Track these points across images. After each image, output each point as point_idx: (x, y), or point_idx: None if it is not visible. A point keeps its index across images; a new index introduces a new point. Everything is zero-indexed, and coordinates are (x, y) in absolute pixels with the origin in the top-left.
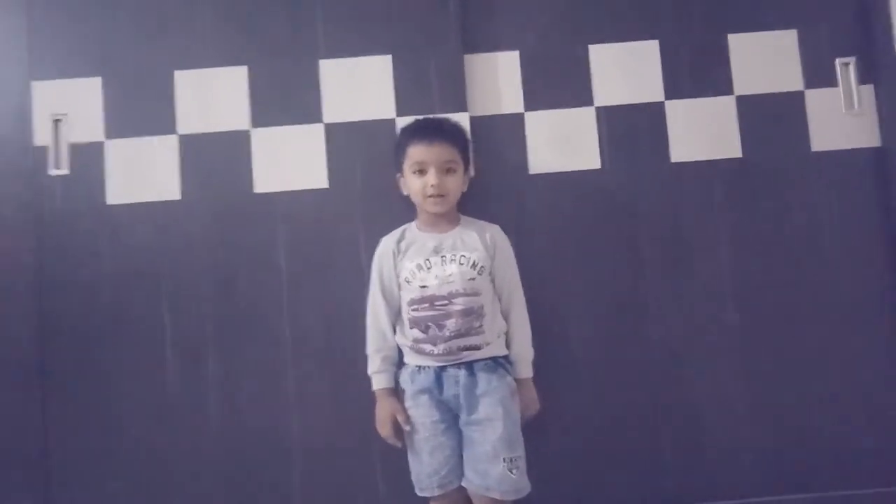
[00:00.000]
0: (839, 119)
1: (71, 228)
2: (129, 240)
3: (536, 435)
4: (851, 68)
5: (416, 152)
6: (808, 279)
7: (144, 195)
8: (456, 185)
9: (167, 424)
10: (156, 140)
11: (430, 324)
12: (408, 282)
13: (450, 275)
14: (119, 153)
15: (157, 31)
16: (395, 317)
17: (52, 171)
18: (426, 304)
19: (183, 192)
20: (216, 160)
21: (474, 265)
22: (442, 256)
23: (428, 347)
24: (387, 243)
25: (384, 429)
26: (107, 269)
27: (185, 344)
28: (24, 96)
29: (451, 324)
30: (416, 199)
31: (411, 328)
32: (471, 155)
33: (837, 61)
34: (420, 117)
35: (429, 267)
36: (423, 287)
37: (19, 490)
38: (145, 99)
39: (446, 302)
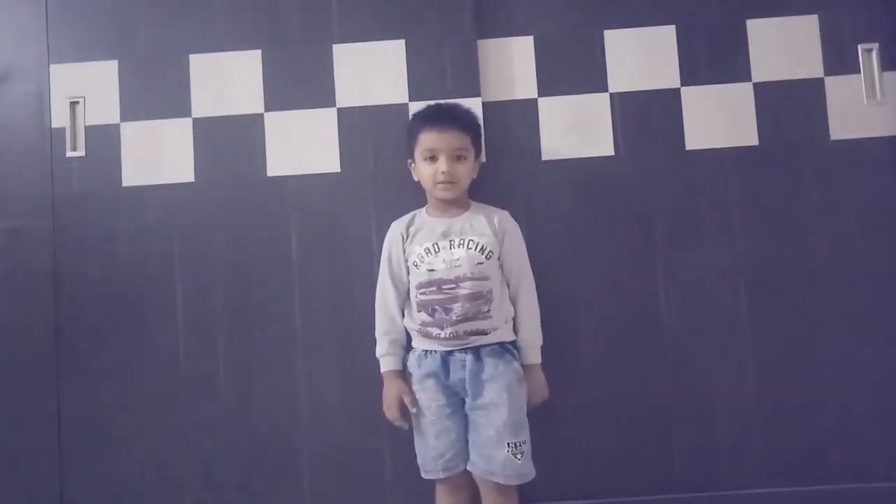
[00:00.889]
0: (860, 107)
1: (86, 210)
2: (143, 222)
3: (543, 421)
4: (874, 55)
5: (428, 139)
6: (824, 271)
7: (159, 177)
8: (466, 171)
9: (178, 406)
10: (171, 123)
11: (437, 307)
12: (416, 265)
13: (457, 259)
14: (134, 136)
15: (174, 16)
16: (404, 301)
17: (69, 153)
18: (434, 288)
19: (197, 175)
20: (230, 143)
21: (482, 250)
22: (450, 241)
23: (435, 331)
24: (396, 228)
25: (391, 411)
26: (121, 250)
27: (197, 326)
28: (41, 79)
29: (457, 308)
30: (426, 185)
31: (419, 311)
32: (482, 141)
33: (860, 47)
34: (432, 103)
35: (437, 251)
36: (431, 271)
37: (32, 470)
38: (161, 82)
39: (454, 286)
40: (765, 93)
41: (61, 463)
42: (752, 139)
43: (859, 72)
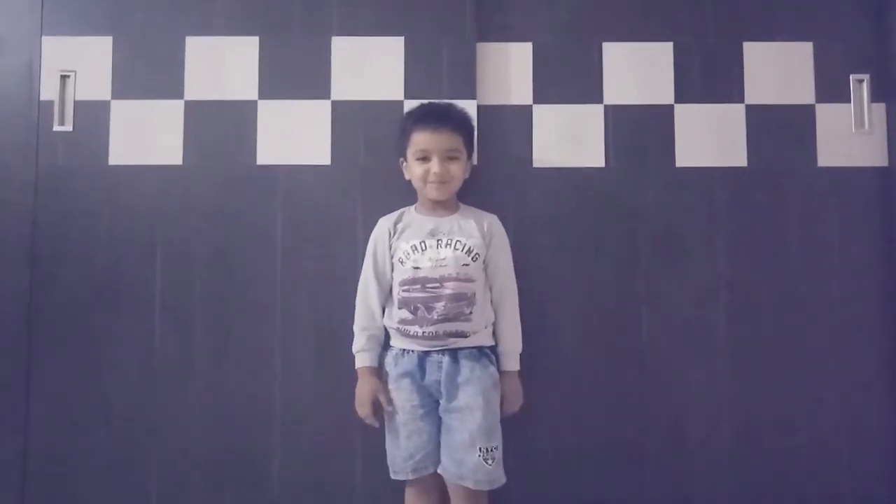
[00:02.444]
0: (848, 136)
1: (70, 185)
2: (127, 201)
3: (518, 428)
4: (865, 85)
5: (421, 139)
6: (805, 293)
7: (146, 158)
8: (458, 172)
9: (152, 389)
10: (162, 104)
11: (419, 305)
12: (401, 262)
13: (443, 258)
14: (124, 114)
15: None
16: (386, 297)
17: (56, 128)
18: (417, 286)
19: (185, 158)
20: (221, 128)
21: (469, 251)
22: (438, 240)
23: (414, 329)
24: (384, 224)
25: (363, 408)
26: (102, 229)
27: (174, 310)
28: (33, 51)
29: (440, 307)
30: (417, 184)
31: (400, 308)
32: (475, 142)
33: (852, 77)
34: (426, 102)
35: (423, 249)
36: (416, 268)
37: None
38: (155, 62)
39: (437, 285)
40: (756, 115)
41: (26, 442)
42: (741, 160)
43: (849, 101)
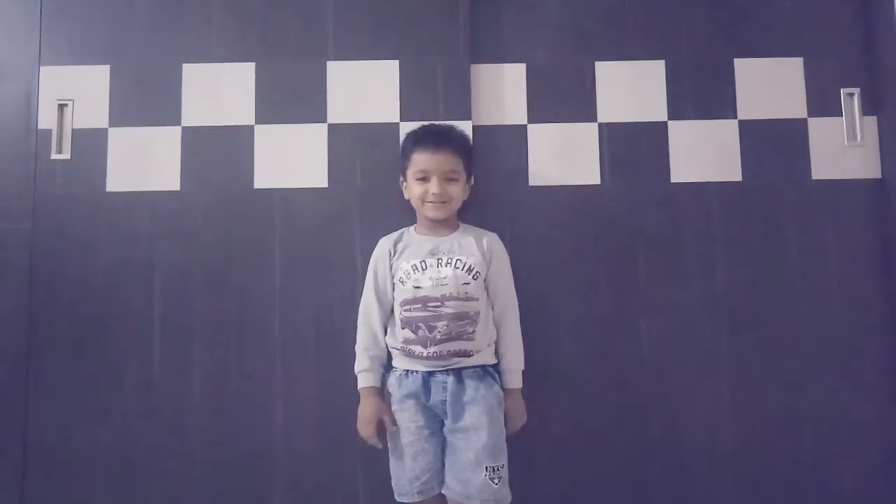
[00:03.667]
0: (841, 149)
1: (68, 213)
2: (125, 228)
3: (522, 445)
4: (856, 99)
5: (421, 160)
6: (801, 305)
7: (144, 184)
8: (458, 192)
9: (151, 416)
10: (159, 130)
11: (420, 325)
12: (402, 282)
13: (444, 277)
14: (122, 141)
15: (169, 24)
16: (387, 317)
17: (54, 156)
18: (419, 305)
19: (182, 184)
20: (218, 154)
21: (469, 270)
22: (438, 259)
23: (418, 349)
24: (384, 244)
25: (366, 429)
26: (101, 256)
27: (173, 336)
28: (31, 80)
29: (441, 326)
30: (416, 204)
31: (403, 328)
32: (472, 164)
33: (842, 91)
34: (426, 123)
35: (424, 268)
36: (417, 288)
37: None
38: (152, 89)
39: (439, 304)
40: (750, 130)
41: (24, 466)
42: (735, 175)
43: (841, 115)
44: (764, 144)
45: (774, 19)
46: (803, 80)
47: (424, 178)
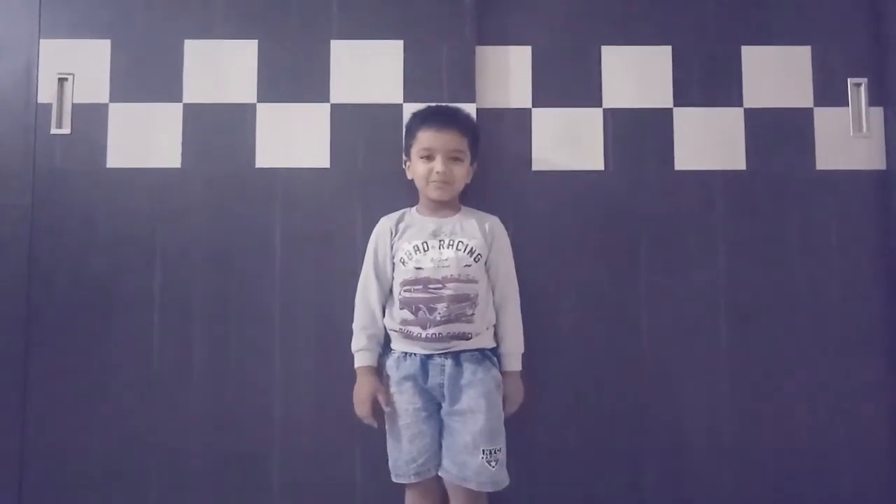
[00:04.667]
0: (846, 139)
1: (67, 188)
2: (124, 204)
3: (520, 429)
4: (863, 89)
5: (426, 137)
6: (804, 295)
7: (144, 161)
8: (461, 173)
9: (150, 393)
10: (161, 107)
11: (420, 306)
12: (403, 262)
13: (446, 259)
14: (122, 117)
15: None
16: (386, 297)
17: (54, 130)
18: (419, 286)
19: (183, 161)
20: (219, 131)
21: (471, 252)
22: (440, 240)
23: (416, 331)
24: (385, 223)
25: (362, 408)
26: (100, 232)
27: (173, 314)
28: (31, 53)
29: (441, 308)
30: (419, 183)
31: (401, 309)
32: (479, 147)
33: (849, 81)
34: (432, 104)
35: (425, 249)
36: (419, 269)
37: None
38: (153, 65)
39: (440, 286)
40: (755, 119)
41: (22, 446)
42: (740, 164)
43: (847, 105)
44: (769, 133)
45: (783, 7)
46: (810, 69)
47: (429, 157)
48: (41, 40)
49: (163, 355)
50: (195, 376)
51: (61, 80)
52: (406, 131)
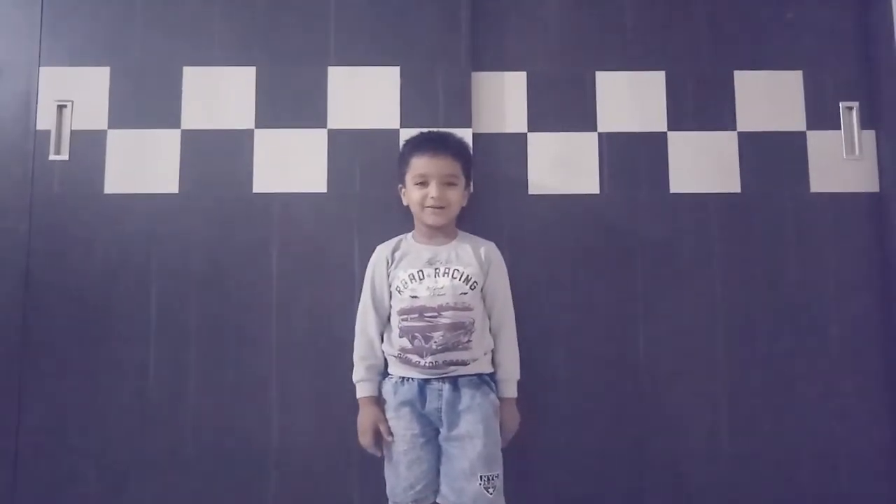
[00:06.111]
0: (839, 162)
1: (65, 214)
2: (122, 230)
3: (517, 455)
4: (854, 113)
5: (420, 164)
6: (800, 317)
7: (142, 186)
8: (456, 198)
9: (145, 419)
10: (159, 133)
11: (417, 334)
12: (399, 291)
13: (441, 287)
14: (120, 143)
15: (170, 26)
16: (384, 325)
17: (52, 157)
18: (415, 315)
19: (181, 187)
20: (217, 157)
21: (467, 280)
22: (435, 269)
23: (414, 358)
24: (381, 251)
25: (365, 437)
26: (98, 257)
27: (169, 339)
28: (31, 80)
29: (438, 336)
30: (414, 209)
31: (400, 337)
32: (472, 171)
33: (841, 105)
34: (425, 130)
35: (421, 278)
36: (414, 297)
37: None
38: (152, 92)
39: (435, 314)
40: (749, 142)
41: (15, 470)
42: (734, 186)
43: (840, 128)
44: (763, 156)
45: (775, 32)
46: (802, 93)
47: (423, 183)
48: (41, 67)
49: (158, 382)
50: (191, 402)
51: (60, 107)
52: (400, 159)
